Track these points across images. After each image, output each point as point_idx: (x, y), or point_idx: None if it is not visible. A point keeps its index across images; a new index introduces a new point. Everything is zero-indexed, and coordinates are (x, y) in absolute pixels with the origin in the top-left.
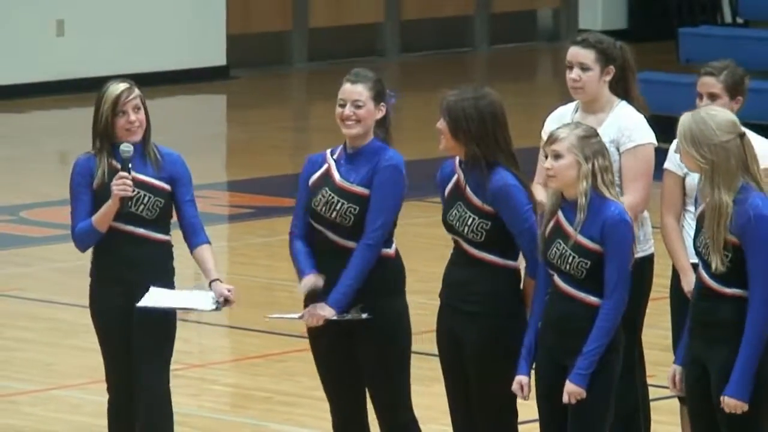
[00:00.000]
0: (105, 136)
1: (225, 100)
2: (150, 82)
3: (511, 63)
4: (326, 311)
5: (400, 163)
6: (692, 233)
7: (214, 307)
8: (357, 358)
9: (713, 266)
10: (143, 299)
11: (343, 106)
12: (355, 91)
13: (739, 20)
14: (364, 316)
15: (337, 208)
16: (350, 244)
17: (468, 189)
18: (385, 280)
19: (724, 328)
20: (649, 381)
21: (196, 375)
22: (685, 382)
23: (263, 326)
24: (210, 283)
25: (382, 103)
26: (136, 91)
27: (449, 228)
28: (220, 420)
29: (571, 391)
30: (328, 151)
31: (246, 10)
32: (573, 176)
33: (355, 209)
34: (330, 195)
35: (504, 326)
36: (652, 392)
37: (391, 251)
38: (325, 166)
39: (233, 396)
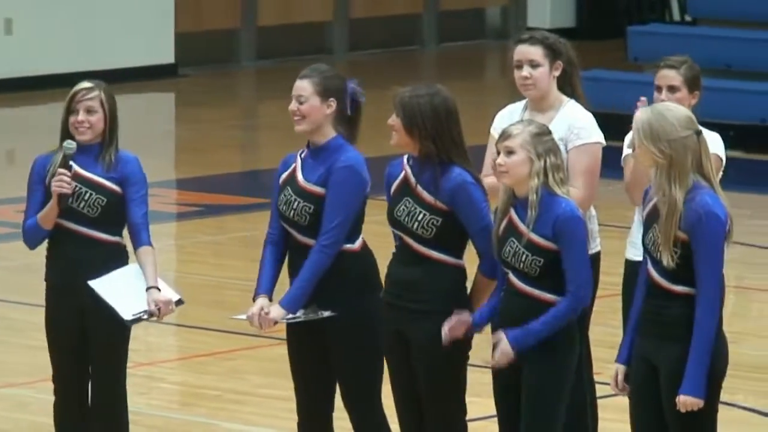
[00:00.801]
0: (63, 132)
1: (173, 98)
2: (99, 79)
3: (459, 61)
4: (276, 313)
5: (357, 162)
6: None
7: (139, 314)
8: (328, 355)
9: (664, 262)
10: (97, 282)
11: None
12: (299, 86)
13: (688, 18)
14: (326, 314)
15: (294, 206)
16: (310, 241)
17: (419, 185)
18: (351, 277)
19: (674, 327)
20: (596, 378)
21: (144, 373)
22: (632, 380)
23: (211, 324)
24: (147, 289)
25: (331, 99)
26: (95, 93)
27: (395, 224)
28: (169, 418)
29: (504, 350)
30: (299, 151)
31: (195, 8)
32: (525, 173)
33: (310, 208)
34: (290, 194)
35: None
36: (600, 389)
37: (354, 246)
38: (293, 166)
39: (182, 394)
